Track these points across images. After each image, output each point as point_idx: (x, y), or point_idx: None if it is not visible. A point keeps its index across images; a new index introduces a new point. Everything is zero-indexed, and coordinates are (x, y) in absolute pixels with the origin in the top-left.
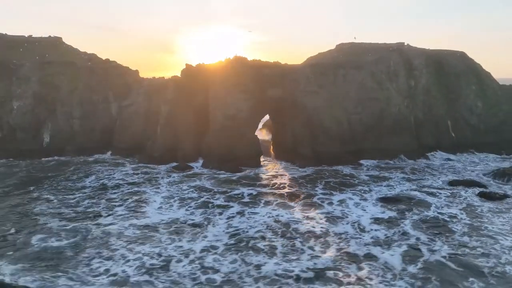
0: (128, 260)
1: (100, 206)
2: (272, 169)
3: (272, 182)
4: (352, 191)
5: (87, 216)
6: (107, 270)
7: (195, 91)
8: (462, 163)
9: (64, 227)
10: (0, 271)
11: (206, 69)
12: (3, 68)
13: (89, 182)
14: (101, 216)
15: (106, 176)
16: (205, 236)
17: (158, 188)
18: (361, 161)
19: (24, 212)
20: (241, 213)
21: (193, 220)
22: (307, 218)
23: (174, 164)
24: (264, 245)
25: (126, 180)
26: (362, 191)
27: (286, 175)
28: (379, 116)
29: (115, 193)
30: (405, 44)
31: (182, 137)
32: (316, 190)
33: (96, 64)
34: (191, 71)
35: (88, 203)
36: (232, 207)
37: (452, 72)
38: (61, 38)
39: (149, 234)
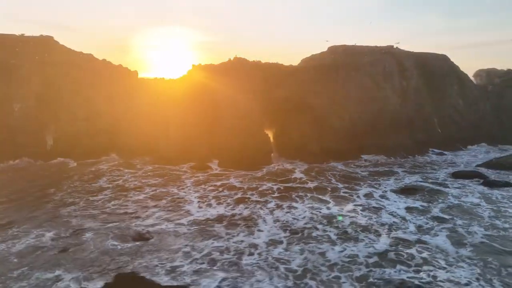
0: (202, 256)
1: (130, 208)
2: (285, 166)
3: (292, 177)
4: (366, 184)
5: (121, 218)
6: (196, 271)
7: (203, 91)
8: (455, 156)
9: (108, 230)
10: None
11: (212, 69)
12: (1, 69)
13: (104, 183)
14: (139, 217)
15: (120, 178)
16: (260, 230)
17: (186, 188)
18: (364, 156)
19: (56, 216)
20: (280, 207)
21: (240, 214)
22: (347, 210)
23: (191, 164)
24: (319, 235)
25: (146, 182)
26: (375, 184)
27: (301, 171)
28: (378, 115)
29: (139, 194)
30: (394, 46)
31: (195, 137)
32: (337, 184)
33: (97, 64)
34: (198, 71)
35: (114, 204)
36: (269, 202)
37: (436, 73)
38: (52, 37)
39: (204, 231)
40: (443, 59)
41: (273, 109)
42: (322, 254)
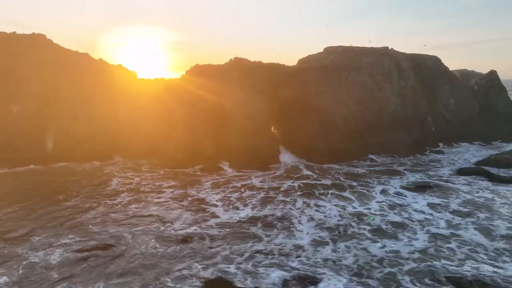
0: (245, 259)
1: (153, 210)
2: (294, 165)
3: (306, 175)
4: (376, 182)
5: (149, 221)
6: (248, 273)
7: (208, 91)
8: (452, 154)
9: (141, 234)
10: None
11: (213, 70)
12: None
13: (117, 187)
14: (166, 221)
15: (131, 180)
16: (299, 230)
17: (204, 190)
18: (369, 156)
19: (77, 223)
20: (308, 205)
21: (272, 215)
22: (373, 208)
23: (200, 166)
24: (356, 232)
25: (160, 184)
26: (385, 182)
27: (311, 170)
28: (379, 114)
29: (159, 197)
30: (390, 48)
31: (202, 138)
32: (349, 182)
33: (95, 64)
34: (200, 71)
35: (136, 208)
36: (296, 200)
37: (430, 73)
38: (45, 35)
39: (239, 233)
40: (435, 60)
41: (278, 109)
42: (366, 250)
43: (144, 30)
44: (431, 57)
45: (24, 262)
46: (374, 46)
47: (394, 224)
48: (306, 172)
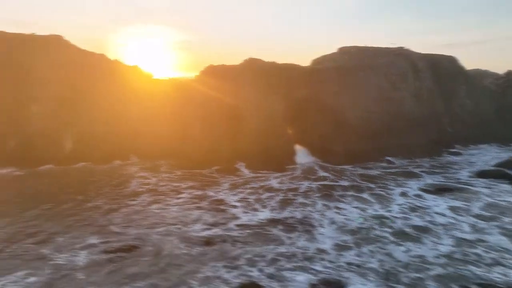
0: (269, 263)
1: (173, 212)
2: (310, 166)
3: (322, 176)
4: (394, 184)
5: (170, 222)
6: (270, 276)
7: (222, 91)
8: (470, 155)
9: (164, 236)
10: None
11: (227, 70)
12: (17, 69)
13: (137, 188)
14: (187, 222)
15: (150, 181)
16: (321, 233)
17: (222, 191)
18: (385, 157)
19: (99, 223)
20: (328, 208)
21: (293, 218)
22: (394, 210)
23: (216, 167)
24: (379, 236)
25: (178, 185)
26: (402, 184)
27: (327, 171)
28: (395, 115)
29: (178, 197)
30: (405, 48)
31: (218, 139)
32: (367, 184)
33: (111, 65)
34: (214, 71)
35: (156, 209)
36: (316, 203)
37: (446, 73)
38: (62, 36)
39: (260, 235)
40: (452, 60)
41: (293, 109)
42: (391, 254)
43: (151, 30)
44: (447, 57)
45: (50, 263)
46: (389, 46)
47: (417, 227)
48: (322, 173)
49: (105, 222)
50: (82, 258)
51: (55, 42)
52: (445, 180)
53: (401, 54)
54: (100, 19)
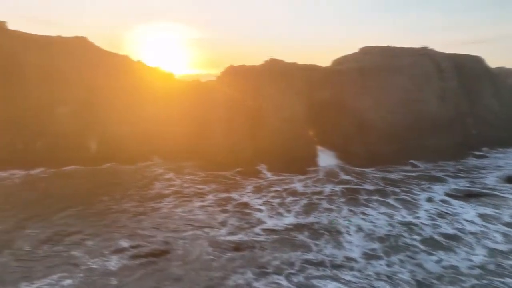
0: (298, 270)
1: (198, 215)
2: (332, 169)
3: (346, 179)
4: (419, 189)
5: (196, 226)
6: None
7: (243, 92)
8: (496, 159)
9: (192, 241)
10: None
11: (248, 71)
12: (43, 71)
13: (162, 190)
14: (213, 227)
15: (174, 183)
16: (348, 241)
17: (246, 194)
18: (410, 161)
19: (127, 226)
20: (354, 213)
21: (318, 223)
22: (422, 217)
23: (238, 169)
24: (409, 244)
25: (203, 188)
26: (427, 189)
27: (349, 174)
28: (419, 117)
29: (203, 200)
30: (429, 47)
31: (239, 140)
32: (391, 188)
33: (134, 66)
34: (235, 71)
35: (182, 212)
36: (342, 208)
37: (471, 74)
38: (86, 38)
39: (287, 241)
40: (478, 60)
41: (314, 110)
42: (422, 264)
43: (166, 27)
44: (472, 57)
45: (83, 267)
46: (413, 46)
47: (447, 235)
48: (345, 176)
49: (133, 225)
50: (113, 263)
51: (80, 44)
52: (471, 185)
53: (425, 54)
54: (114, 17)
